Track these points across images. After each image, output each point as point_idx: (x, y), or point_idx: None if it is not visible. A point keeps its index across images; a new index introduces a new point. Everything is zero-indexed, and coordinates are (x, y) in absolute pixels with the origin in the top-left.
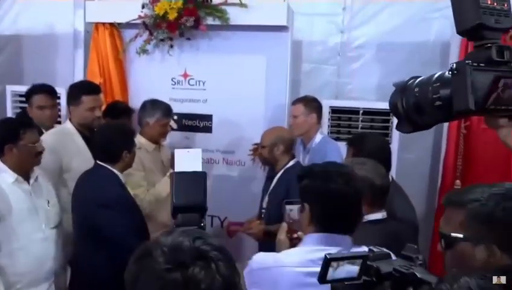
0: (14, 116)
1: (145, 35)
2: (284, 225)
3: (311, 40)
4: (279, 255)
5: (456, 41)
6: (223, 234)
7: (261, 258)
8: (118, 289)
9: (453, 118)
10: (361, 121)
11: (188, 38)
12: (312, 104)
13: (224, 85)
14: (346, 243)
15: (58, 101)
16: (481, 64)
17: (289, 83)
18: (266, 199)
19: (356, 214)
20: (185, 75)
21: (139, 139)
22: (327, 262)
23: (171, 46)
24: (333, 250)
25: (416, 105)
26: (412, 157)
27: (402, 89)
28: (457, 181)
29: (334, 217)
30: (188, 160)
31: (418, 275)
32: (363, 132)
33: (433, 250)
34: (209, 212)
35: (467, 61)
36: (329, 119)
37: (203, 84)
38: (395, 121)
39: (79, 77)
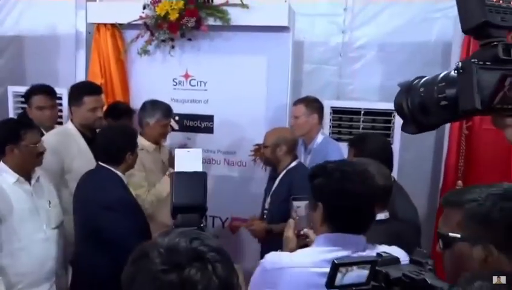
0: (15, 117)
1: (147, 35)
2: (291, 222)
3: (313, 40)
4: (293, 255)
5: (457, 41)
6: (224, 234)
7: (275, 259)
8: None
9: (459, 117)
10: (363, 122)
11: (189, 39)
12: (313, 104)
13: (226, 86)
14: (360, 244)
15: (59, 101)
16: (487, 63)
17: (290, 84)
18: (268, 199)
19: (371, 214)
20: (186, 76)
21: (140, 140)
22: (335, 267)
23: (173, 47)
24: (346, 251)
25: (421, 105)
26: (413, 157)
27: (407, 89)
28: (459, 181)
29: (349, 217)
30: (188, 160)
31: (429, 280)
32: (365, 132)
33: (435, 250)
34: (210, 212)
35: (472, 60)
36: (330, 119)
37: (205, 84)
38: (396, 121)
39: (81, 77)
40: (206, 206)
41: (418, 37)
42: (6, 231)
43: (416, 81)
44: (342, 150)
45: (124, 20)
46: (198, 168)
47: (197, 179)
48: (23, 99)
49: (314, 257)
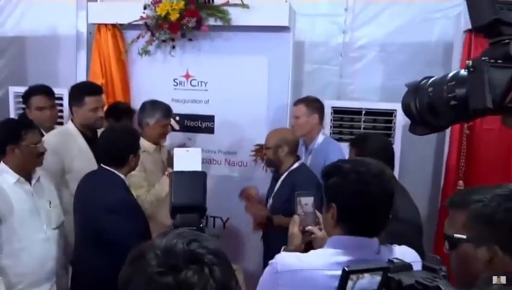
0: (16, 118)
1: (147, 36)
2: (296, 218)
3: (313, 40)
4: (304, 256)
5: (458, 41)
6: (225, 234)
7: (287, 260)
8: None
9: (469, 117)
10: (364, 122)
11: (190, 39)
12: (314, 104)
13: (226, 86)
14: (373, 247)
15: (60, 102)
16: (498, 61)
17: (291, 84)
18: (270, 201)
19: (386, 216)
20: (187, 76)
21: (140, 141)
22: (346, 275)
23: (173, 47)
24: (359, 254)
25: (430, 105)
26: (414, 157)
27: (415, 90)
28: (460, 182)
29: (363, 220)
30: (187, 159)
31: (443, 288)
32: (366, 133)
33: (437, 250)
34: (211, 213)
35: (483, 58)
36: (331, 119)
37: (205, 84)
38: (397, 121)
39: (81, 78)
40: (206, 206)
41: (419, 37)
42: (6, 231)
43: (424, 81)
44: (343, 150)
45: (125, 21)
46: (198, 167)
47: (197, 179)
48: None
49: (326, 259)
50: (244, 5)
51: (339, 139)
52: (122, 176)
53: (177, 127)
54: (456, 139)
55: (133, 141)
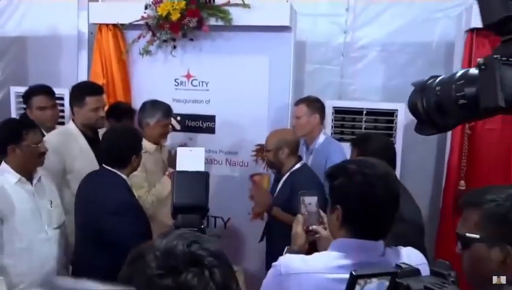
0: (17, 118)
1: (148, 36)
2: (300, 218)
3: (315, 40)
4: (308, 259)
5: (460, 41)
6: (226, 235)
7: (290, 263)
8: None
9: (478, 117)
10: (365, 122)
11: (191, 39)
12: (315, 104)
13: (227, 86)
14: (378, 250)
15: (61, 102)
16: (510, 59)
17: (292, 84)
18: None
19: (391, 219)
20: (188, 76)
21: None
22: (354, 279)
23: (174, 47)
24: (364, 257)
25: (437, 104)
26: (416, 157)
27: (421, 89)
28: (462, 182)
29: (368, 222)
30: (190, 159)
31: None
32: (368, 132)
33: (438, 250)
34: (212, 213)
35: (495, 56)
36: (332, 119)
37: (206, 84)
38: (399, 121)
39: (83, 78)
40: (208, 207)
41: (420, 37)
42: (8, 231)
43: (431, 80)
44: (344, 150)
45: (126, 21)
46: (201, 167)
47: (199, 179)
48: None
49: (330, 262)
50: (245, 5)
51: (340, 139)
52: (124, 176)
53: (178, 127)
54: (457, 139)
55: (136, 141)
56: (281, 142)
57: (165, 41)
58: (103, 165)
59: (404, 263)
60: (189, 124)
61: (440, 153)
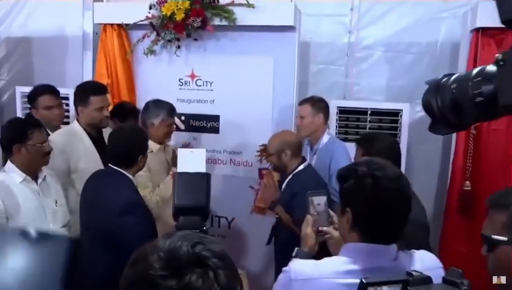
0: (23, 117)
1: (153, 36)
2: (309, 218)
3: (319, 40)
4: (319, 264)
5: (465, 41)
6: (230, 234)
7: (301, 268)
8: None
9: (496, 115)
10: (369, 122)
11: (195, 39)
12: (319, 104)
13: (232, 86)
14: (390, 254)
15: (66, 102)
16: None
17: (296, 84)
18: None
19: (403, 222)
20: (192, 76)
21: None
22: (364, 287)
23: (178, 47)
24: (376, 262)
25: (453, 102)
26: (421, 157)
27: (436, 87)
28: (467, 182)
29: (379, 226)
30: (191, 160)
31: None
32: (373, 132)
33: (443, 250)
34: (216, 212)
35: None
36: (337, 119)
37: (211, 84)
38: (403, 121)
39: (88, 78)
40: (209, 209)
41: (426, 37)
42: None
43: (446, 78)
44: (348, 150)
45: (130, 21)
46: (202, 169)
47: (200, 180)
48: None
49: (341, 267)
50: (249, 5)
51: (345, 139)
52: (130, 176)
53: (182, 126)
54: (462, 140)
55: (142, 141)
56: (283, 145)
57: (169, 41)
58: (109, 164)
59: (415, 271)
60: (194, 124)
61: (445, 153)
